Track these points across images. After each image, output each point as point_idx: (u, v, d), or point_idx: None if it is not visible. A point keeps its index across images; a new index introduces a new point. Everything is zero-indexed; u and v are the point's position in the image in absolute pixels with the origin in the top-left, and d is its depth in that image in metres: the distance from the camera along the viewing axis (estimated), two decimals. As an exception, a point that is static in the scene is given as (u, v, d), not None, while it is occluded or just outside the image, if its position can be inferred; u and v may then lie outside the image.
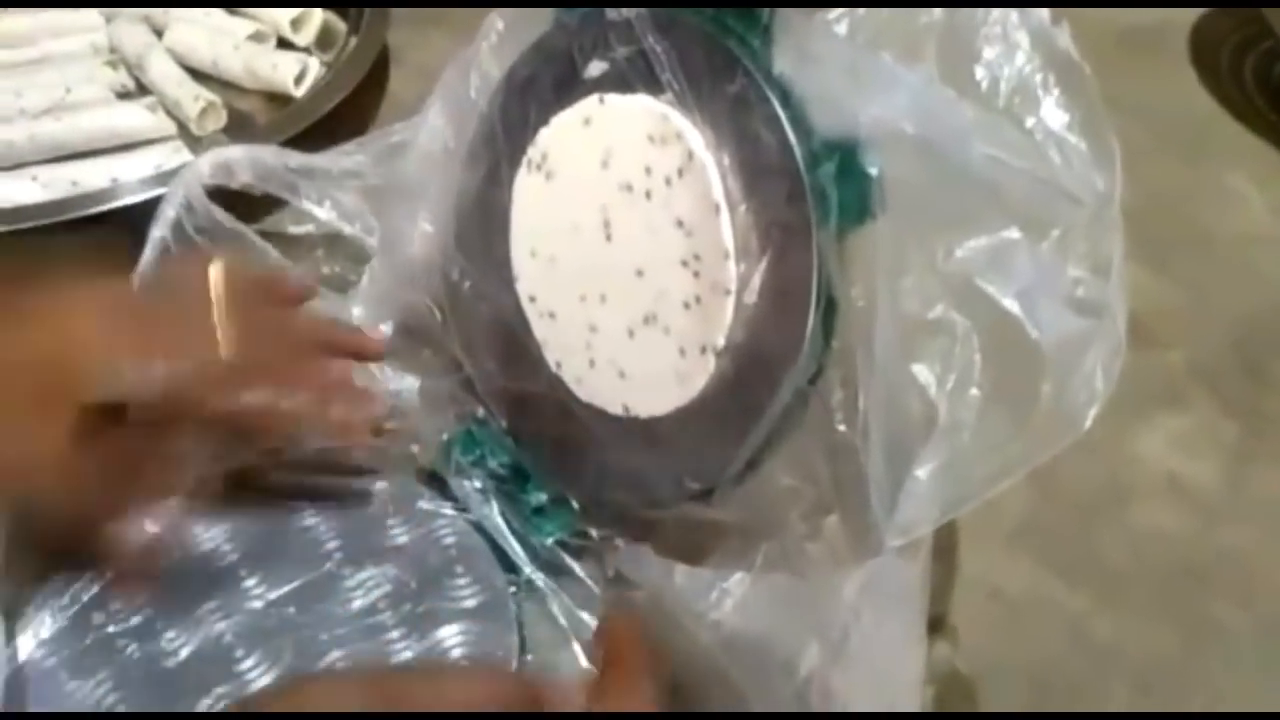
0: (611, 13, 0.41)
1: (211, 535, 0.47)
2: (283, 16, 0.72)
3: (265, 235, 0.60)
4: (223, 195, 0.57)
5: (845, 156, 0.35)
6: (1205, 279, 0.67)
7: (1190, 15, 0.86)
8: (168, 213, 0.56)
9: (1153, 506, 0.54)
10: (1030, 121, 0.37)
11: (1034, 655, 0.48)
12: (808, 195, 0.35)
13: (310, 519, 0.49)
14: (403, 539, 0.48)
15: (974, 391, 0.33)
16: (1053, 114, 0.37)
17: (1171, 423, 0.59)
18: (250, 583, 0.46)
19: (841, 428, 0.34)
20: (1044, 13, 0.38)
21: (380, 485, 0.50)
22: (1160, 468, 0.56)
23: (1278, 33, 0.81)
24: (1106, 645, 0.48)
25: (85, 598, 0.45)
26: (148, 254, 0.56)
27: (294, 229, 0.62)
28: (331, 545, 0.47)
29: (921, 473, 0.33)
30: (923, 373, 0.34)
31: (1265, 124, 0.79)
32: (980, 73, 0.38)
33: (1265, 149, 0.77)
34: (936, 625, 0.44)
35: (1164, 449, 0.57)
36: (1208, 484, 0.56)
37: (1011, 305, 0.34)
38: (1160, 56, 0.82)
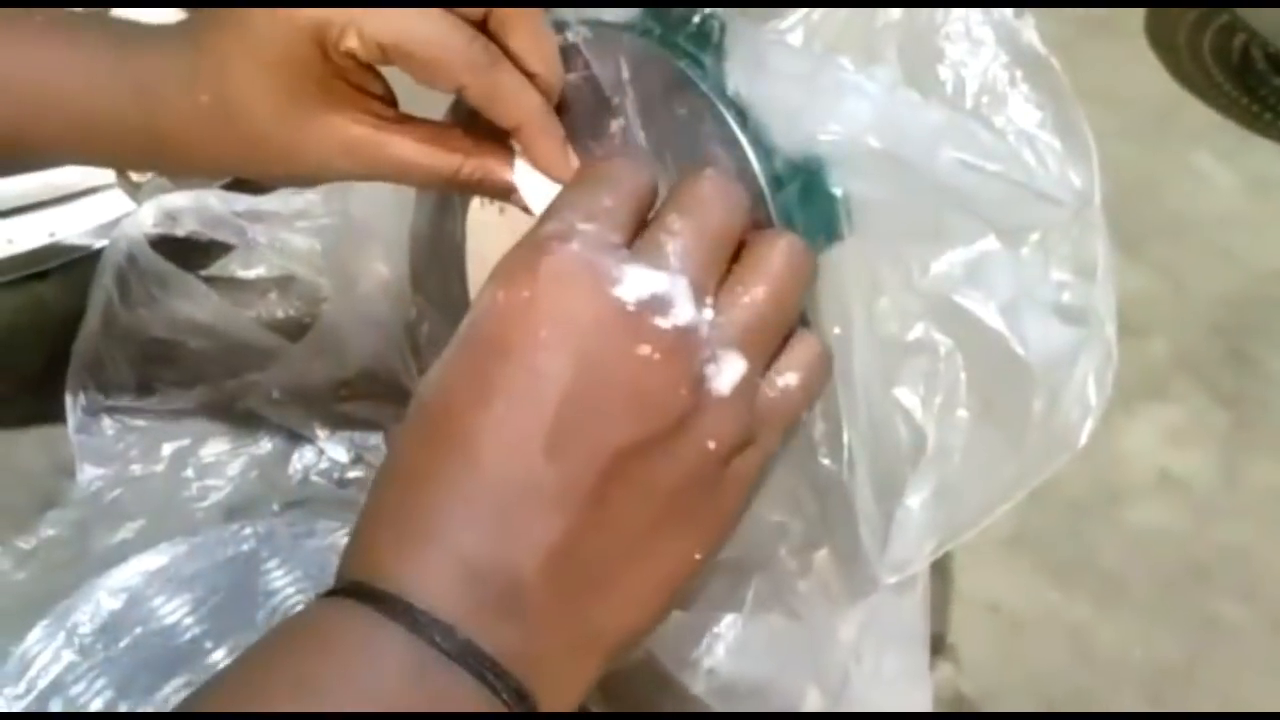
0: (556, 38, 0.39)
1: (173, 608, 0.45)
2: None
3: (213, 281, 0.58)
4: (168, 241, 0.55)
5: (809, 178, 0.33)
6: (1181, 264, 0.66)
7: (1144, -3, 0.86)
8: (110, 267, 0.54)
9: (1147, 504, 0.53)
10: (1000, 121, 0.36)
11: (1038, 670, 0.47)
12: (774, 219, 0.34)
13: (277, 581, 0.47)
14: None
15: (962, 413, 0.32)
16: (1023, 112, 0.36)
17: (1159, 415, 0.57)
18: (218, 655, 0.44)
19: (826, 461, 0.32)
20: (1007, 9, 0.37)
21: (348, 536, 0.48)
22: (1151, 463, 0.55)
23: (1233, 7, 0.80)
24: (1111, 654, 0.47)
25: (42, 684, 0.43)
26: (92, 311, 0.54)
27: (243, 273, 0.60)
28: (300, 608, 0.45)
29: (913, 502, 0.31)
30: (907, 397, 0.32)
31: (1227, 100, 0.78)
32: (944, 73, 0.36)
33: (1229, 126, 0.76)
34: (936, 645, 0.43)
35: (1154, 443, 0.56)
36: (1201, 477, 0.54)
37: (995, 320, 0.32)
38: (1118, 40, 0.81)
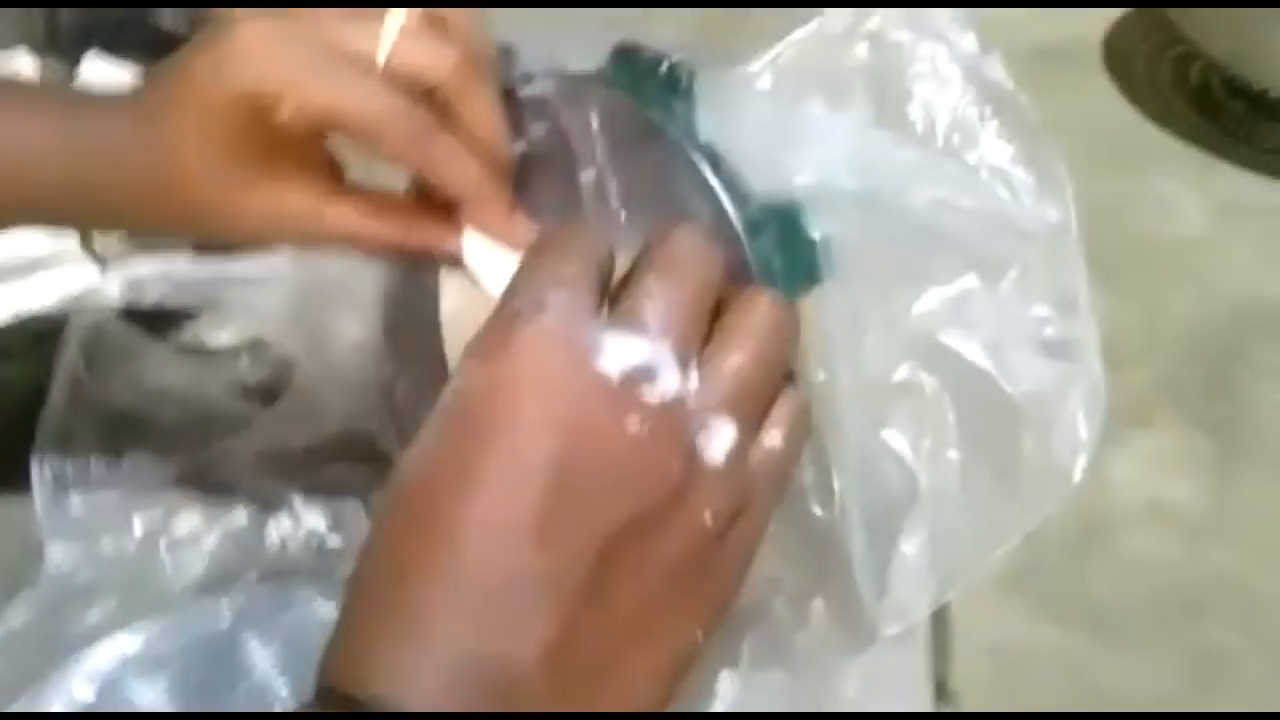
0: (525, 91, 0.38)
1: (149, 693, 0.43)
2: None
3: (182, 349, 0.57)
4: (134, 311, 0.54)
5: (786, 221, 0.33)
6: (1153, 291, 0.66)
7: (1099, 29, 0.87)
8: (76, 339, 0.53)
9: (1137, 535, 0.53)
10: (972, 158, 0.36)
11: (1040, 709, 0.46)
12: (751, 266, 0.33)
13: (255, 655, 0.45)
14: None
15: (953, 454, 0.31)
16: (994, 147, 0.36)
17: (1144, 444, 0.57)
18: (196, 738, 0.42)
19: (818, 509, 0.31)
20: (972, 42, 0.37)
21: (330, 607, 0.47)
22: (1139, 493, 0.55)
23: (1186, 35, 0.82)
24: (1112, 691, 0.46)
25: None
26: (58, 384, 0.53)
27: (212, 340, 0.59)
28: (283, 689, 0.43)
29: (909, 548, 0.31)
30: (896, 439, 0.31)
31: (1187, 126, 0.79)
32: (914, 112, 0.36)
33: (1190, 151, 0.77)
34: (938, 691, 0.42)
35: (1140, 473, 0.56)
36: (1190, 505, 0.54)
37: (979, 359, 0.32)
38: (1075, 72, 0.83)
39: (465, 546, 0.24)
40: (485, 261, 0.37)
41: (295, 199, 0.35)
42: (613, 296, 0.27)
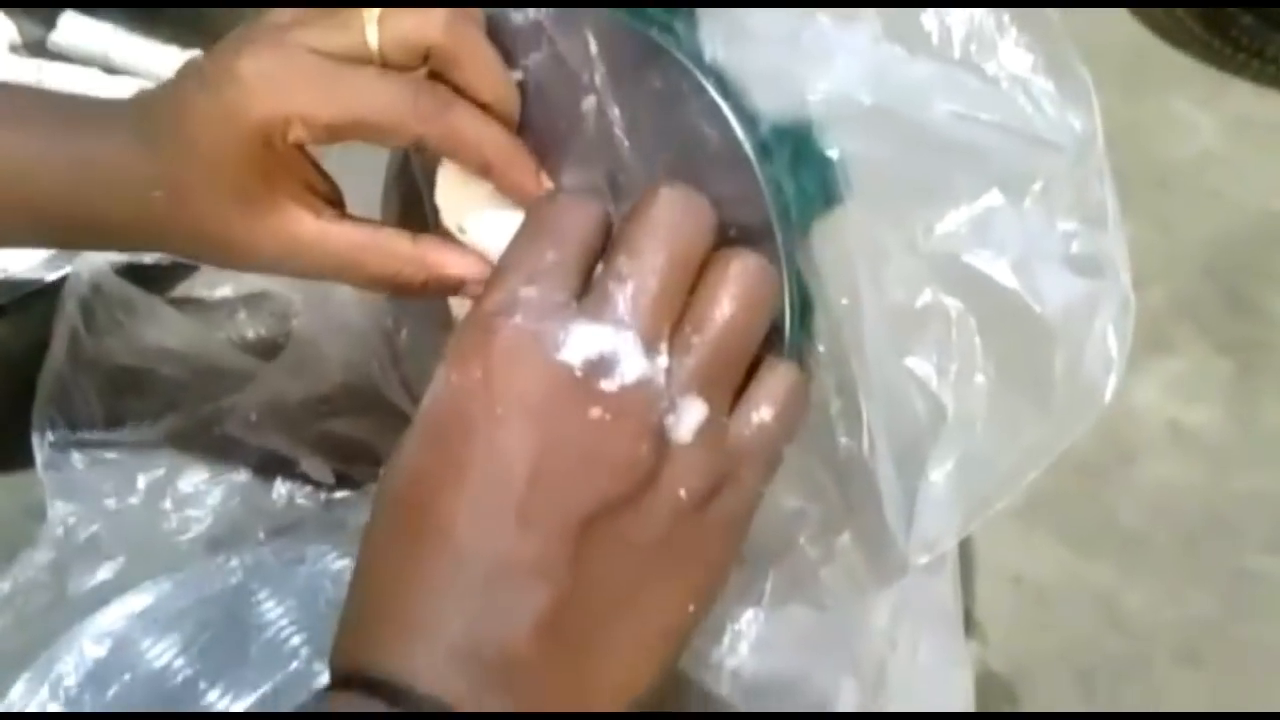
0: (516, 16, 0.37)
1: (161, 650, 0.43)
2: (166, 68, 0.67)
3: (180, 304, 0.56)
4: (132, 267, 0.53)
5: (799, 141, 0.32)
6: (1169, 211, 0.64)
7: (1107, -55, 0.84)
8: (74, 296, 0.52)
9: (1161, 461, 0.52)
10: (991, 68, 0.34)
11: (1069, 640, 0.45)
12: (764, 190, 0.32)
13: (269, 613, 0.44)
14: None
15: (979, 379, 0.30)
16: (1014, 56, 0.34)
17: (1164, 367, 0.56)
18: (212, 696, 0.42)
19: (844, 439, 0.30)
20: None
21: (341, 562, 0.46)
22: (1160, 417, 0.54)
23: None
24: (1141, 617, 0.45)
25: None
26: (56, 342, 0.52)
27: (210, 294, 0.58)
28: (296, 640, 0.43)
29: (936, 476, 0.30)
30: (921, 366, 0.30)
31: (1199, 45, 0.77)
32: (929, 23, 0.34)
33: (1203, 70, 0.75)
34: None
35: (1161, 397, 0.55)
36: (1212, 428, 0.53)
37: (1006, 278, 0.30)
38: (1082, -9, 0.80)
39: (455, 537, 0.26)
40: (490, 228, 0.36)
41: (299, 228, 0.35)
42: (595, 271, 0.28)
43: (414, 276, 0.36)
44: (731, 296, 0.27)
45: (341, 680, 0.26)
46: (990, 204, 0.32)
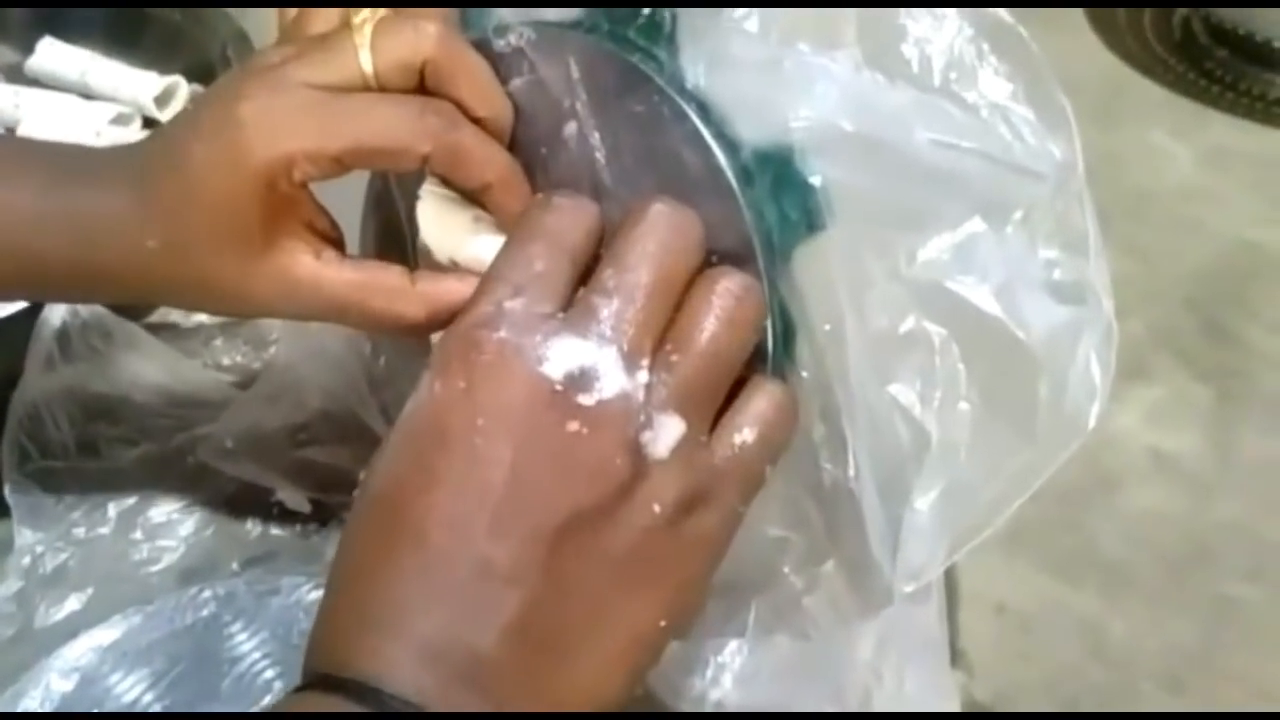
0: (499, 42, 0.37)
1: (130, 684, 0.42)
2: (145, 93, 0.67)
3: (155, 329, 0.55)
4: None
5: (781, 167, 0.32)
6: (1148, 241, 0.65)
7: (1079, -23, 0.85)
8: (52, 324, 0.51)
9: (1142, 488, 0.52)
10: (971, 97, 0.34)
11: (1052, 668, 0.45)
12: (746, 216, 0.32)
13: (242, 645, 0.44)
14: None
15: (963, 406, 0.30)
16: (994, 85, 0.34)
17: (1143, 395, 0.56)
18: (182, 731, 0.41)
19: (828, 466, 0.30)
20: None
21: (316, 593, 0.45)
22: (1141, 445, 0.54)
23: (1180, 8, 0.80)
24: (1125, 646, 0.45)
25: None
26: (31, 367, 0.51)
27: (185, 321, 0.57)
28: (269, 674, 0.42)
29: (921, 505, 0.29)
30: (904, 393, 0.30)
31: (1173, 76, 0.78)
32: (909, 51, 0.34)
33: (1178, 100, 0.76)
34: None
35: (1141, 425, 0.55)
36: (1193, 456, 0.53)
37: (989, 305, 0.30)
38: (1057, 22, 0.81)
39: (429, 542, 0.26)
40: (480, 255, 0.36)
41: (299, 269, 0.35)
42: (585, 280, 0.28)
43: (417, 314, 0.35)
44: (715, 316, 0.28)
45: (313, 680, 0.26)
46: (972, 231, 0.32)
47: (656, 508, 0.26)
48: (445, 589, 0.26)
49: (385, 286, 0.35)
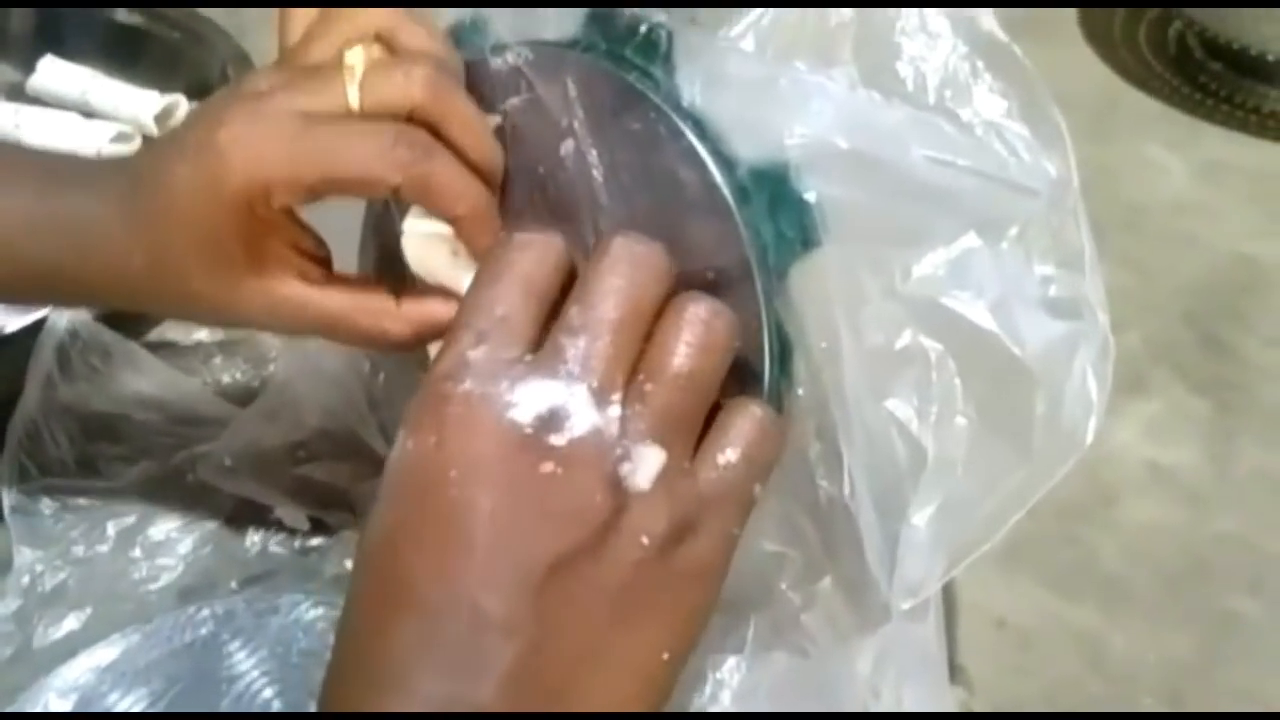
0: (496, 60, 0.37)
1: (129, 704, 0.42)
2: (145, 111, 0.67)
3: (155, 347, 0.55)
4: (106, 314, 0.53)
5: (777, 185, 0.32)
6: (1144, 255, 0.65)
7: (1073, -8, 0.86)
8: (51, 341, 0.51)
9: (1140, 502, 0.52)
10: (966, 114, 0.34)
11: (1051, 683, 0.45)
12: (742, 233, 0.32)
13: (241, 664, 0.44)
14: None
15: (960, 421, 0.30)
16: (988, 102, 0.34)
17: (1141, 409, 0.56)
18: (181, 750, 0.41)
19: (824, 483, 0.30)
20: (961, -4, 0.36)
21: (315, 611, 0.45)
22: (1139, 458, 0.54)
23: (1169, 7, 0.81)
24: (1125, 660, 0.45)
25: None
26: (30, 387, 0.51)
27: (184, 339, 0.58)
28: (268, 693, 0.42)
29: (918, 520, 0.29)
30: (901, 409, 0.30)
31: (1168, 89, 0.78)
32: (904, 69, 0.35)
33: (1173, 114, 0.76)
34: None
35: (1139, 438, 0.55)
36: (1191, 470, 0.53)
37: (986, 321, 0.30)
38: (1053, 38, 0.81)
39: (422, 599, 0.26)
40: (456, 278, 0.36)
41: (284, 290, 0.35)
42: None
43: (402, 333, 0.36)
44: (685, 343, 0.27)
45: None
46: (968, 247, 0.32)
47: (645, 540, 0.26)
48: (442, 643, 0.26)
49: (371, 305, 0.36)
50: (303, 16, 0.37)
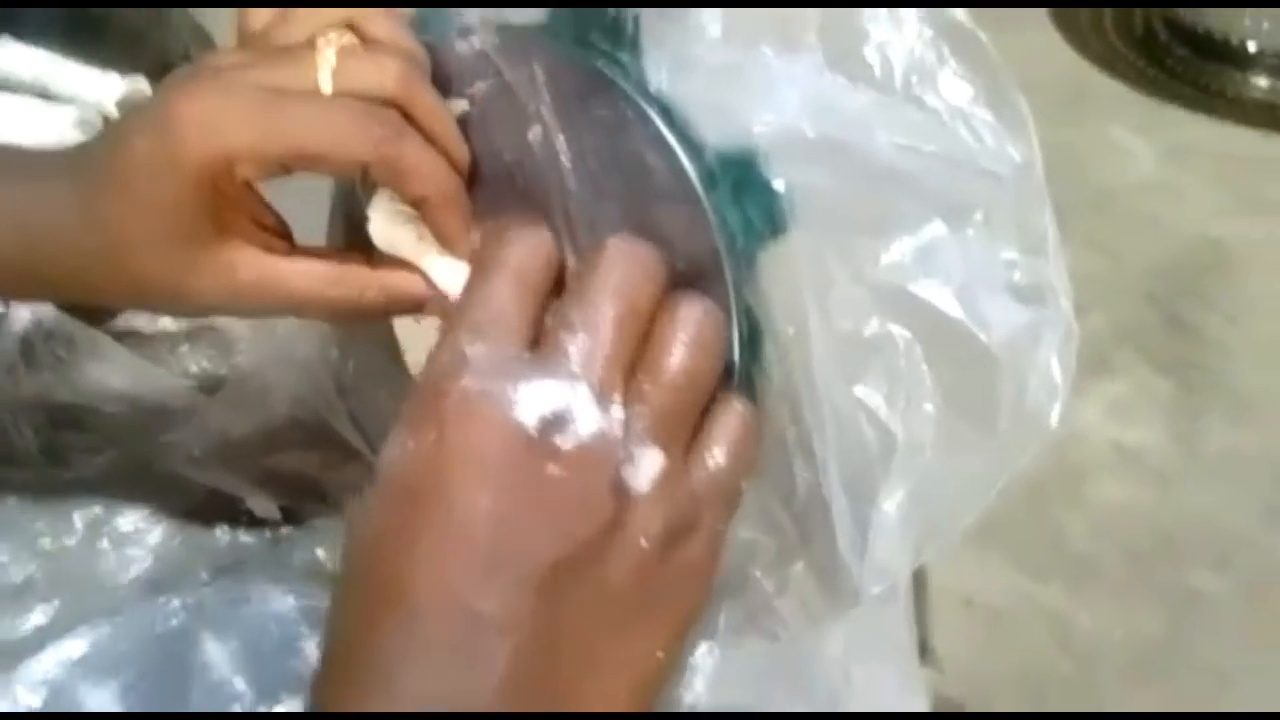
0: (462, 45, 0.36)
1: (99, 697, 0.42)
2: (107, 96, 0.66)
3: (120, 336, 0.55)
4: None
5: (744, 171, 0.32)
6: (1110, 236, 0.66)
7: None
8: (15, 332, 0.51)
9: (1106, 481, 0.53)
10: (931, 100, 0.34)
11: (1020, 662, 0.45)
12: (710, 219, 0.32)
13: (212, 655, 0.43)
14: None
15: (928, 407, 0.30)
16: (954, 88, 0.35)
17: (1106, 390, 0.57)
18: (152, 743, 0.40)
19: (796, 469, 0.30)
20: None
21: (286, 601, 0.45)
22: (1104, 438, 0.55)
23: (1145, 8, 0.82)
24: (1091, 638, 0.46)
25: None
26: (-6, 379, 0.50)
27: (149, 328, 0.57)
28: (239, 684, 0.42)
29: (888, 506, 0.30)
30: (870, 395, 0.30)
31: (1135, 73, 0.79)
32: (870, 55, 0.35)
33: (1140, 98, 0.77)
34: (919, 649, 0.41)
35: (1103, 418, 0.56)
36: (1155, 448, 0.54)
37: (950, 307, 0.31)
38: (1022, 23, 0.82)
39: (417, 600, 0.26)
40: (438, 266, 0.36)
41: (248, 269, 0.34)
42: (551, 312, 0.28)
43: (375, 300, 0.35)
44: (683, 344, 0.28)
45: None
46: (934, 234, 0.32)
47: (644, 542, 0.26)
48: (435, 646, 0.25)
49: (347, 278, 0.35)
50: (264, 13, 0.37)
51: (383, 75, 0.33)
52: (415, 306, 0.36)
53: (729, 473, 0.28)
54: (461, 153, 0.35)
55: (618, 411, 0.27)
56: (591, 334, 0.27)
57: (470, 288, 0.28)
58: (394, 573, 0.26)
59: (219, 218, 0.33)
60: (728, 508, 0.28)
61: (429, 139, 0.34)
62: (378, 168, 0.33)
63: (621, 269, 0.28)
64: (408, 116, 0.34)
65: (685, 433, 0.28)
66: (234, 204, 0.34)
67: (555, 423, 0.26)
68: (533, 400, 0.26)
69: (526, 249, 0.28)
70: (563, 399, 0.26)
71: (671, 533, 0.27)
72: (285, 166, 0.33)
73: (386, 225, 0.37)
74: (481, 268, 0.29)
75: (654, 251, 0.29)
